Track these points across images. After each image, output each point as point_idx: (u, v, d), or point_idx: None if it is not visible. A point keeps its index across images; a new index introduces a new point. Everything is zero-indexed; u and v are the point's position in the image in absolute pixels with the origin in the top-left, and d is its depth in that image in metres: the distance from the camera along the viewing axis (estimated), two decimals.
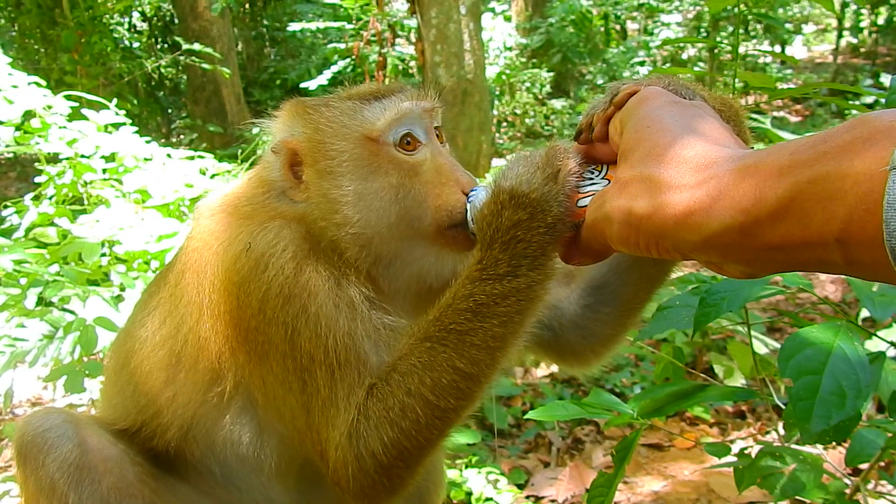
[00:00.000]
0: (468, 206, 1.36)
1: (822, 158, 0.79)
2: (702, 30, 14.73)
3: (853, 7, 15.51)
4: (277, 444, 1.63)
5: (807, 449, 1.84)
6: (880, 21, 16.52)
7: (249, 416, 1.61)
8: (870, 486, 1.96)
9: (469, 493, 3.51)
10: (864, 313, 2.31)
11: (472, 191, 1.39)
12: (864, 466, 1.84)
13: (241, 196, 1.63)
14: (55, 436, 1.59)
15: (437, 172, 1.53)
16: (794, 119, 13.97)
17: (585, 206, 1.18)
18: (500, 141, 13.08)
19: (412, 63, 11.72)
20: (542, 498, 3.81)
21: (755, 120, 2.27)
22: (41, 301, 3.43)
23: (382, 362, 1.45)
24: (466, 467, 3.65)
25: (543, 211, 1.20)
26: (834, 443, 1.50)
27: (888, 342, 1.53)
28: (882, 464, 1.71)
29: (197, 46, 8.15)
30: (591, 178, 1.22)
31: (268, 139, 1.68)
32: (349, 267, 1.52)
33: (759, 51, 14.85)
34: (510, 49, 13.66)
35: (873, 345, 1.96)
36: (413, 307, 1.64)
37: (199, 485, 1.72)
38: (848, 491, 1.78)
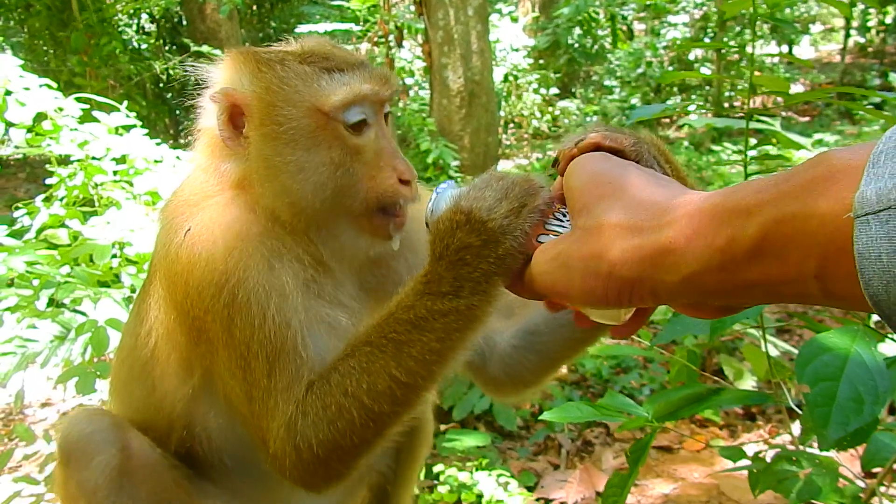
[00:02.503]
0: (432, 198, 1.31)
1: (786, 198, 0.78)
2: (709, 30, 14.70)
3: (861, 6, 15.45)
4: None
5: (821, 452, 1.83)
6: (888, 20, 16.46)
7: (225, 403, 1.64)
8: (885, 489, 1.95)
9: (479, 496, 3.51)
10: (876, 316, 2.30)
11: (443, 185, 1.34)
12: (878, 470, 1.83)
13: (185, 186, 1.64)
14: (100, 439, 1.61)
15: (377, 155, 1.53)
16: (802, 119, 13.92)
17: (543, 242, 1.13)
18: (507, 142, 13.08)
19: (419, 64, 11.74)
20: (552, 500, 3.80)
21: (764, 122, 2.26)
22: (52, 302, 3.45)
23: (323, 358, 1.46)
24: (476, 470, 3.65)
25: (496, 242, 1.16)
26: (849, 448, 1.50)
27: None
28: None
29: (205, 48, 8.16)
30: (560, 220, 1.17)
31: (206, 85, 1.60)
32: (288, 237, 1.53)
33: (769, 53, 14.82)
34: (517, 50, 13.65)
35: (887, 348, 1.95)
36: (356, 280, 1.66)
37: (223, 482, 1.74)
38: (863, 495, 1.77)
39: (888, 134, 0.74)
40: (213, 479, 1.74)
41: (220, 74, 1.58)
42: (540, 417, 1.73)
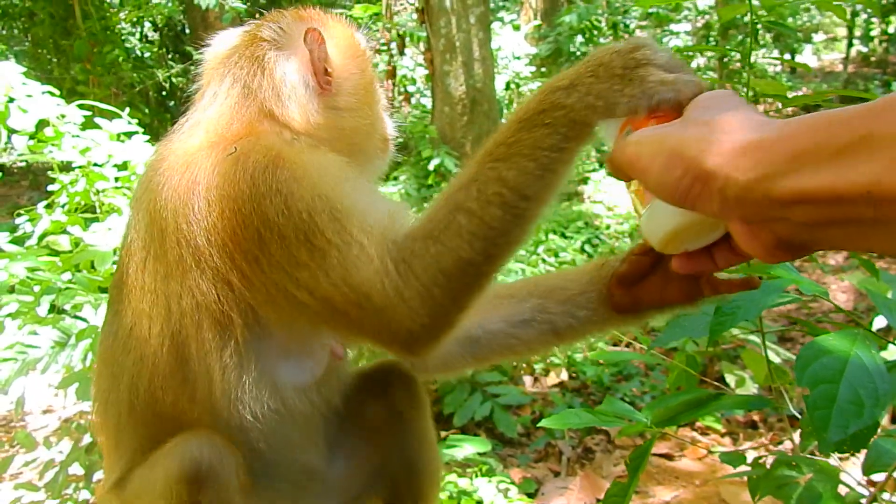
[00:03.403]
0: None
1: (869, 117, 0.83)
2: (711, 38, 14.72)
3: (864, 16, 15.47)
4: (298, 373, 1.63)
5: (822, 458, 1.82)
6: (891, 30, 16.48)
7: (265, 353, 1.57)
8: (887, 496, 1.94)
9: (479, 502, 3.49)
10: (878, 323, 2.30)
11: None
12: (880, 477, 1.82)
13: (200, 129, 1.60)
14: (224, 472, 1.50)
15: None
16: None
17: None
18: None
19: (421, 71, 11.76)
20: None
21: None
22: (53, 308, 3.45)
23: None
24: (476, 476, 3.64)
25: (633, 82, 1.21)
26: (850, 453, 1.49)
27: None
28: None
29: None
30: None
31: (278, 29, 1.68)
32: None
33: (771, 58, 14.83)
34: (519, 58, 13.68)
35: (889, 354, 1.95)
36: None
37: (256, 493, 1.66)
38: (864, 501, 1.76)
39: None
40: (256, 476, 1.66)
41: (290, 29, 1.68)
42: (539, 424, 1.73)
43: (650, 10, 14.18)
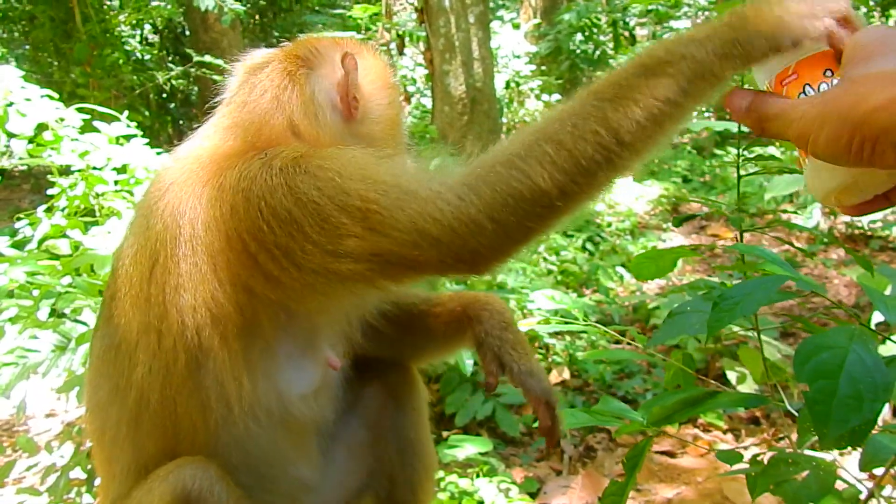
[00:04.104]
0: None
1: None
2: None
3: (863, 9, 15.42)
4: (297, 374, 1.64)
5: (820, 455, 1.82)
6: (891, 23, 16.45)
7: (273, 362, 1.58)
8: (885, 492, 1.93)
9: (480, 503, 3.49)
10: (877, 318, 2.29)
11: None
12: (879, 471, 1.82)
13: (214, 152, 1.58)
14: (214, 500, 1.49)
15: None
16: None
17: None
18: None
19: (421, 71, 11.76)
20: None
21: None
22: (54, 312, 3.45)
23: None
24: (478, 476, 3.64)
25: (782, 31, 1.15)
26: (849, 448, 1.49)
27: None
28: None
29: (208, 58, 8.20)
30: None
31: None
32: None
33: None
34: (518, 57, 13.67)
35: (887, 349, 1.94)
36: None
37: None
38: (863, 497, 1.75)
39: None
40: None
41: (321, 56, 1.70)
42: (537, 424, 1.73)
43: (650, 7, 14.16)
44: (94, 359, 1.71)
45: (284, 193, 1.38)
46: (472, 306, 1.84)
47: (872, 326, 1.96)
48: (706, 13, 14.97)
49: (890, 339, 1.85)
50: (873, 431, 1.54)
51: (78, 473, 3.24)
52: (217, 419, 1.54)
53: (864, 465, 1.57)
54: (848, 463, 1.84)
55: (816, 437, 1.34)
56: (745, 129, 1.94)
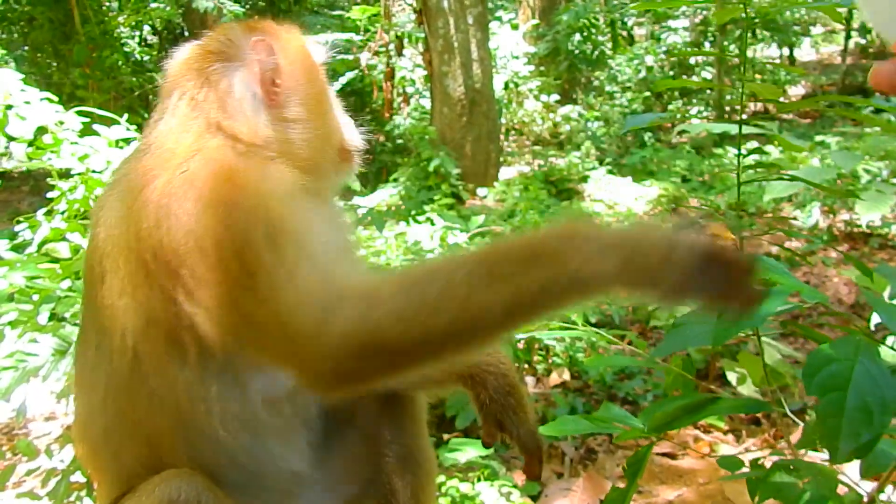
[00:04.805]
0: None
1: None
2: (709, 34, 14.70)
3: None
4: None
5: (820, 457, 1.82)
6: None
7: (229, 366, 1.56)
8: (886, 496, 1.93)
9: None
10: (876, 318, 2.29)
11: None
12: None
13: (157, 144, 1.59)
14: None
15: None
16: (804, 121, 13.90)
17: None
18: (509, 149, 13.09)
19: (420, 72, 11.76)
20: None
21: (762, 126, 2.26)
22: (53, 316, 3.45)
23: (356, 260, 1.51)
24: (479, 480, 3.64)
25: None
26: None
27: None
28: None
29: None
30: None
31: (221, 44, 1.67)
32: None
33: (765, 60, 14.81)
34: (517, 58, 13.67)
35: (884, 352, 1.94)
36: None
37: None
38: (865, 501, 1.76)
39: None
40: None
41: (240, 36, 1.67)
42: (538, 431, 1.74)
43: (646, 9, 14.15)
44: (75, 365, 1.76)
45: (196, 223, 1.41)
46: (478, 368, 1.83)
47: (872, 327, 1.97)
48: (704, 12, 14.97)
49: (885, 345, 1.85)
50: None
51: (78, 477, 3.24)
52: (188, 427, 1.55)
53: (865, 472, 1.58)
54: (848, 467, 1.84)
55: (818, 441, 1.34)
56: (754, 129, 1.93)
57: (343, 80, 10.87)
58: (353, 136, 1.85)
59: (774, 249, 6.37)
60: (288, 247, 1.37)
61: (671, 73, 14.11)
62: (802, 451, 1.99)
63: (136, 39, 14.84)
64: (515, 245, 1.32)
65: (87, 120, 4.34)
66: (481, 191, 9.81)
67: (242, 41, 1.66)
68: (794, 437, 1.91)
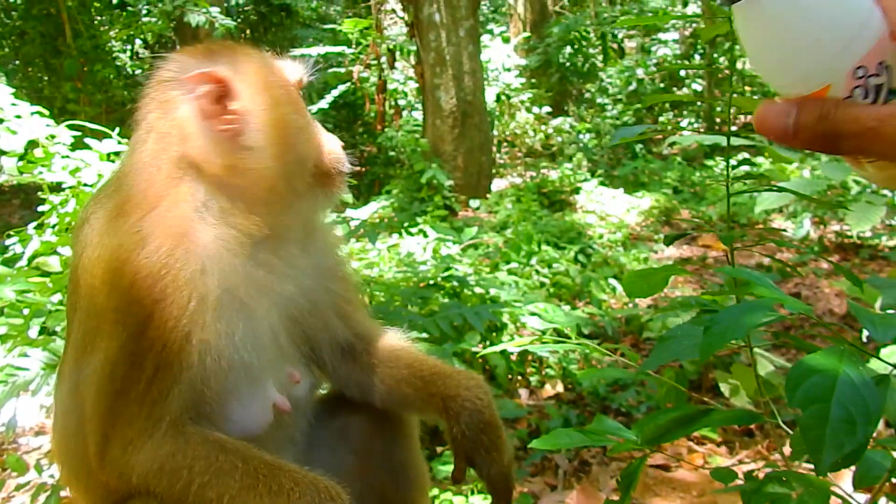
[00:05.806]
0: None
1: None
2: (699, 46, 14.81)
3: None
4: None
5: (813, 468, 1.82)
6: None
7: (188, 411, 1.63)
8: None
9: None
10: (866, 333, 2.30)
11: None
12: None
13: (128, 180, 1.63)
14: None
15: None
16: None
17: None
18: (501, 161, 13.14)
19: (412, 85, 11.80)
20: None
21: (751, 138, 2.27)
22: (44, 330, 3.43)
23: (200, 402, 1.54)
24: (472, 493, 3.62)
25: None
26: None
27: (890, 364, 1.52)
28: (893, 481, 1.69)
29: None
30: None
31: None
32: (236, 227, 1.58)
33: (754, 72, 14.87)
34: (509, 70, 13.74)
35: (875, 365, 1.95)
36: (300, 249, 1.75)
37: None
38: None
39: None
40: None
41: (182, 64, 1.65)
42: (530, 445, 1.73)
43: (636, 25, 14.23)
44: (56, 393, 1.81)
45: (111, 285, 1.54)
46: (454, 401, 1.79)
47: (864, 338, 1.97)
48: (693, 24, 15.09)
49: (876, 357, 1.85)
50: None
51: (68, 493, 3.21)
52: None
53: (858, 483, 1.58)
54: (841, 478, 1.84)
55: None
56: (734, 143, 1.94)
57: (335, 92, 10.90)
58: (336, 156, 1.74)
59: (766, 261, 6.41)
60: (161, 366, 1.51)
61: (662, 85, 14.20)
62: (796, 462, 2.00)
63: (128, 53, 14.84)
64: None
65: (79, 133, 4.33)
66: (474, 202, 9.83)
67: (192, 68, 1.59)
68: (788, 448, 1.91)
